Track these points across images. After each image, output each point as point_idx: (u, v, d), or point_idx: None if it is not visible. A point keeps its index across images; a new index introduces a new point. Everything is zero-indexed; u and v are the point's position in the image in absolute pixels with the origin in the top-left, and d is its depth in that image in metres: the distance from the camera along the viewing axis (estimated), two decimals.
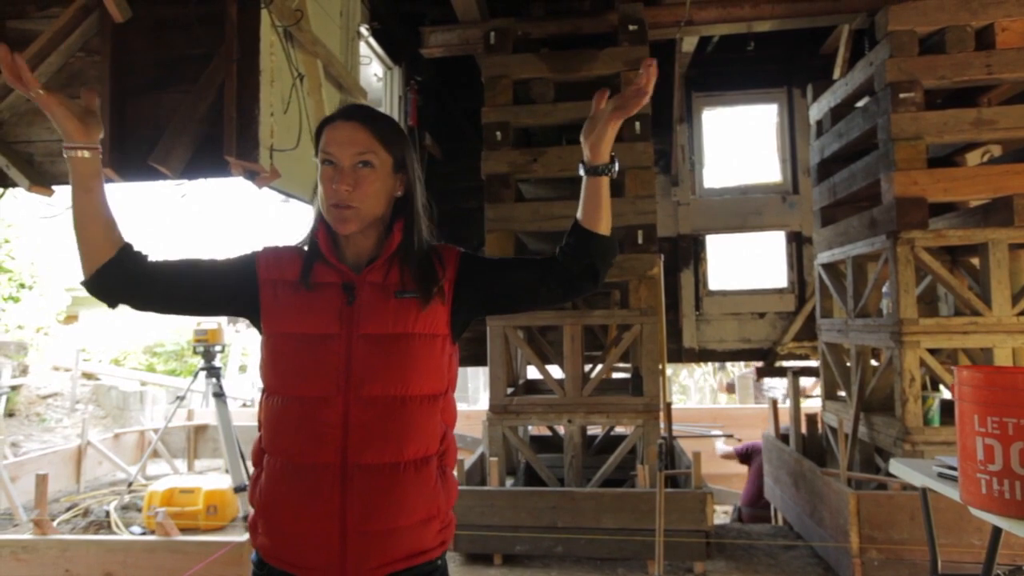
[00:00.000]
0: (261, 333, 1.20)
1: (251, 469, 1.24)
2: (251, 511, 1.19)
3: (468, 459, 3.97)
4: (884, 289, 3.79)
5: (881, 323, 3.53)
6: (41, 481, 3.16)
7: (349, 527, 1.08)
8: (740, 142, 5.98)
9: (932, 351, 3.37)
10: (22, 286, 10.92)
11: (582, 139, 1.17)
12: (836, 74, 4.41)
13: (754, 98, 5.83)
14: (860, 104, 3.97)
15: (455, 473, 1.25)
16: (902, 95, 3.42)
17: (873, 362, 3.91)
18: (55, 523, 4.57)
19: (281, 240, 1.28)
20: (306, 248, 1.22)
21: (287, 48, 2.91)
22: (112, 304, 1.18)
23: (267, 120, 2.73)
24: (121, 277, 1.15)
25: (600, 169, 1.15)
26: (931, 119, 3.40)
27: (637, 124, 3.87)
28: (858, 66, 3.84)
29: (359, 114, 1.18)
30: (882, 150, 3.50)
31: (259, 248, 1.25)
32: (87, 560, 2.82)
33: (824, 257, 4.30)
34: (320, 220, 1.20)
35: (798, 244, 5.64)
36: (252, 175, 2.81)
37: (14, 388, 7.74)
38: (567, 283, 1.18)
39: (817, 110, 4.42)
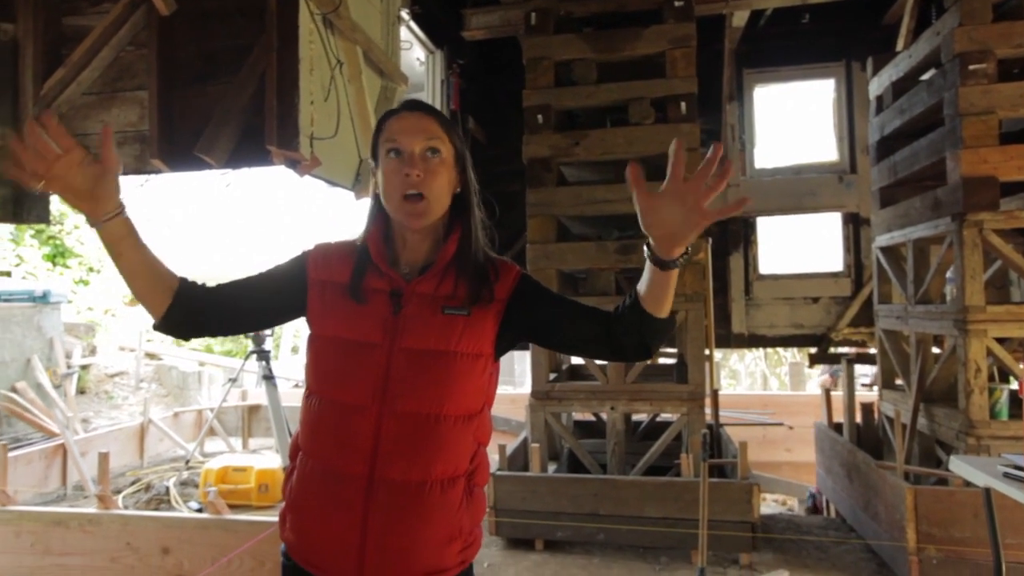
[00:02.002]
0: (309, 327, 1.20)
1: None
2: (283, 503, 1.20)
3: (510, 444, 3.97)
4: (948, 274, 3.58)
5: (944, 310, 3.34)
6: (103, 459, 3.32)
7: (369, 539, 1.07)
8: (794, 120, 5.73)
9: (1000, 340, 3.17)
10: (91, 270, 11.49)
11: (643, 227, 1.02)
12: (899, 45, 4.15)
13: (809, 73, 5.56)
14: (925, 77, 3.73)
15: (494, 460, 1.23)
16: (972, 66, 3.18)
17: (935, 350, 3.71)
18: (120, 496, 4.82)
19: (330, 232, 1.28)
20: (358, 251, 1.19)
21: (326, 35, 2.92)
22: (186, 339, 1.22)
23: (307, 108, 2.75)
24: (185, 318, 1.16)
25: (671, 264, 1.02)
26: (1005, 92, 3.16)
27: (683, 104, 3.74)
28: (923, 36, 3.60)
29: (422, 105, 1.19)
30: (948, 126, 3.28)
31: (310, 247, 1.24)
32: (146, 535, 2.95)
33: (883, 240, 4.09)
34: (374, 222, 1.18)
35: (855, 226, 5.38)
36: (293, 164, 2.84)
37: (84, 367, 8.17)
38: (617, 352, 1.14)
39: (878, 84, 4.18)
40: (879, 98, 4.19)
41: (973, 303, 3.12)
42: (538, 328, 1.18)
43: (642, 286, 1.08)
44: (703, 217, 0.98)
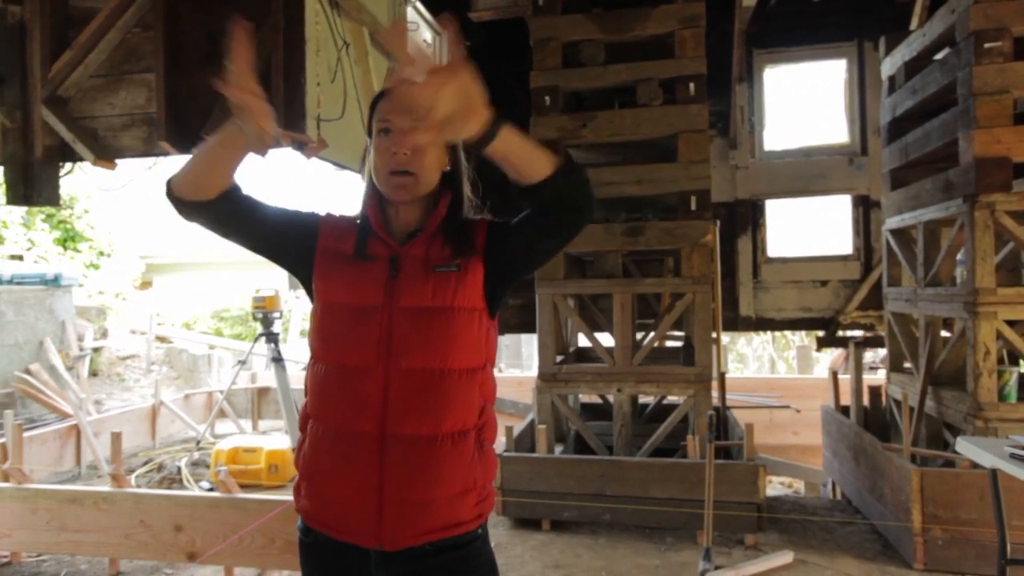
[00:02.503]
0: (312, 299, 1.23)
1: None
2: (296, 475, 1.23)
3: (517, 426, 4.00)
4: (959, 256, 3.55)
5: (954, 292, 3.32)
6: (116, 439, 3.37)
7: (386, 496, 1.10)
8: (804, 101, 5.66)
9: (1011, 323, 3.15)
10: (101, 254, 11.57)
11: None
12: (913, 24, 4.10)
13: (821, 53, 5.48)
14: (939, 57, 3.67)
15: (501, 442, 1.25)
16: (987, 44, 3.13)
17: (944, 333, 3.69)
18: (133, 476, 4.89)
19: (339, 210, 1.30)
20: (359, 221, 1.23)
21: (332, 17, 2.91)
22: (207, 223, 1.16)
23: (313, 90, 2.75)
24: (227, 208, 1.14)
25: (483, 143, 0.95)
26: (1020, 70, 3.10)
27: (692, 85, 3.71)
28: (938, 14, 3.53)
29: None
30: (961, 106, 3.24)
31: (323, 213, 1.27)
32: (159, 513, 3.00)
33: (893, 222, 4.06)
34: (371, 194, 1.22)
35: (865, 209, 5.33)
36: (300, 146, 2.84)
37: (96, 350, 8.26)
38: (555, 223, 1.09)
39: (890, 64, 4.12)
40: (891, 78, 4.13)
41: (984, 285, 3.09)
42: (512, 259, 1.19)
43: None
44: (452, 76, 0.87)
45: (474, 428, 1.17)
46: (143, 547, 3.02)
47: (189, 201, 1.12)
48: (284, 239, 1.24)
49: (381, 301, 1.15)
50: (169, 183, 1.12)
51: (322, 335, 1.19)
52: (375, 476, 1.10)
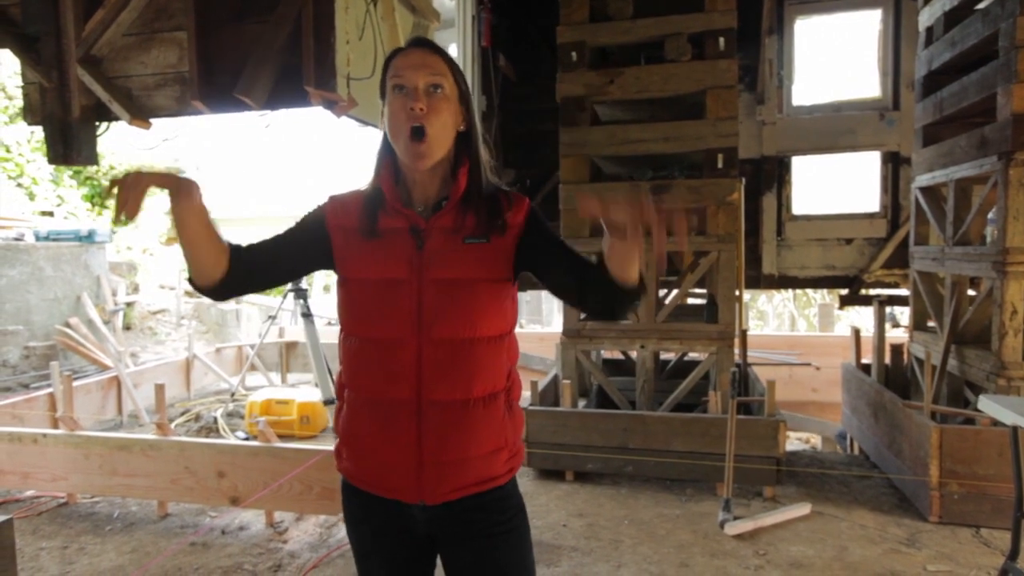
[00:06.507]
0: (338, 276, 1.26)
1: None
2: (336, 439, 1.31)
3: (542, 381, 4.10)
4: (990, 215, 3.51)
5: (983, 251, 3.30)
6: (159, 390, 3.52)
7: (425, 457, 1.18)
8: (835, 54, 5.50)
9: None
10: None
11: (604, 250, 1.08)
12: None
13: (855, 3, 5.29)
14: (980, 6, 3.55)
15: (526, 396, 1.33)
16: None
17: (971, 292, 3.68)
18: (173, 425, 5.11)
19: (352, 179, 1.33)
20: (369, 194, 1.23)
21: None
22: (229, 298, 1.27)
23: (343, 48, 2.75)
24: (237, 283, 1.22)
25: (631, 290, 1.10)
26: None
27: (721, 40, 3.64)
28: None
29: (427, 43, 1.20)
30: (1002, 59, 3.15)
31: (325, 200, 1.28)
32: (202, 460, 3.16)
33: (923, 180, 4.00)
34: (383, 163, 1.22)
35: (895, 166, 5.24)
36: (331, 104, 2.87)
37: (129, 305, 8.49)
38: (585, 309, 1.24)
39: (928, 15, 3.99)
40: (929, 30, 4.01)
41: (1014, 244, 3.07)
42: (537, 266, 1.23)
43: (605, 249, 1.08)
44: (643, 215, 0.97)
45: (503, 390, 1.23)
46: (188, 491, 3.19)
47: (211, 287, 1.19)
48: (305, 255, 1.26)
49: (407, 275, 1.17)
50: (191, 283, 1.21)
51: (351, 311, 1.22)
52: (414, 439, 1.17)
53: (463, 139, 1.22)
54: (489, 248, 1.18)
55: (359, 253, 1.20)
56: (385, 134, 1.21)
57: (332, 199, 1.27)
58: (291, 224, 1.28)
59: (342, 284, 1.24)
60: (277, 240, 1.25)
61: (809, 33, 5.47)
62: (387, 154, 1.22)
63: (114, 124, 3.22)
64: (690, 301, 5.17)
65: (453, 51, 4.35)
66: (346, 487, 1.28)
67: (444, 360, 1.16)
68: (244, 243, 1.25)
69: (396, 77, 1.16)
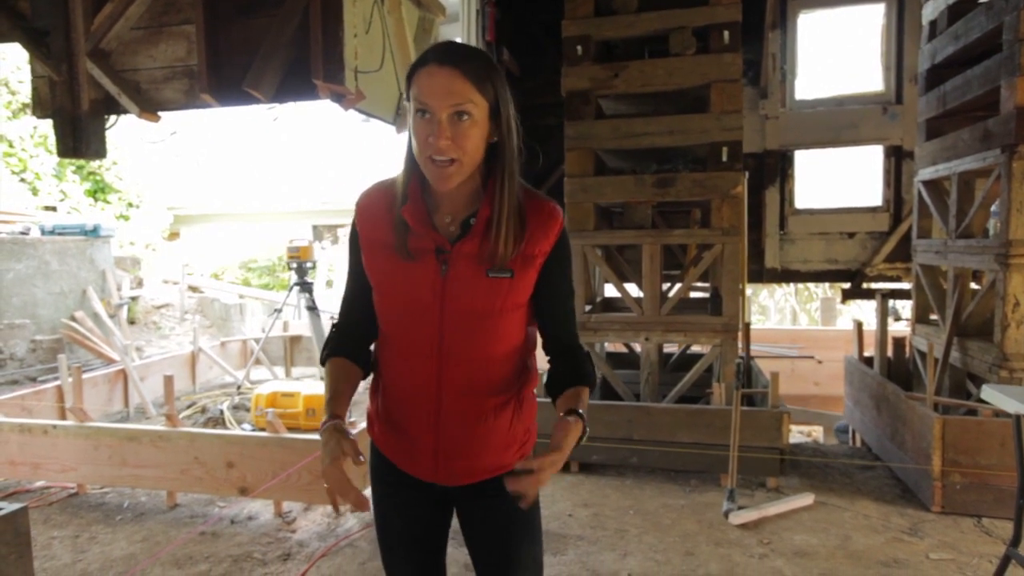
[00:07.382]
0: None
1: None
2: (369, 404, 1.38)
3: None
4: (993, 208, 3.53)
5: (986, 244, 3.32)
6: (168, 382, 3.56)
7: (440, 462, 1.27)
8: (838, 49, 5.51)
9: None
10: (130, 205, 11.78)
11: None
12: None
13: None
14: (984, 0, 3.56)
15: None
16: None
17: (973, 286, 3.70)
18: (180, 417, 5.14)
19: (370, 166, 1.34)
20: (397, 211, 1.20)
21: None
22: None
23: (351, 41, 2.77)
24: (368, 357, 1.34)
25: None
26: None
27: (726, 33, 3.65)
28: None
29: (453, 57, 1.10)
30: (1006, 52, 3.16)
31: (358, 200, 1.25)
32: (211, 450, 3.19)
33: (926, 173, 4.02)
34: (412, 171, 1.18)
35: (897, 159, 5.25)
36: (339, 97, 2.89)
37: (133, 299, 8.53)
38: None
39: (932, 8, 4.00)
40: (933, 23, 4.02)
41: (1017, 237, 3.09)
42: (537, 292, 1.25)
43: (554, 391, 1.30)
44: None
45: (513, 395, 1.29)
46: (198, 481, 3.23)
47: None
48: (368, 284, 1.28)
49: (431, 300, 1.19)
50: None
51: (384, 315, 1.27)
52: (431, 445, 1.26)
53: (493, 148, 1.17)
54: (512, 282, 1.19)
55: (386, 269, 1.22)
56: (410, 144, 1.16)
57: (360, 208, 1.25)
58: (347, 262, 1.33)
59: (375, 288, 1.26)
60: (355, 295, 1.30)
61: (812, 27, 5.48)
62: (413, 163, 1.17)
63: (123, 117, 3.25)
64: (693, 295, 5.20)
65: None
66: (374, 447, 1.37)
67: (462, 377, 1.23)
68: (343, 325, 1.33)
69: (419, 101, 1.09)
